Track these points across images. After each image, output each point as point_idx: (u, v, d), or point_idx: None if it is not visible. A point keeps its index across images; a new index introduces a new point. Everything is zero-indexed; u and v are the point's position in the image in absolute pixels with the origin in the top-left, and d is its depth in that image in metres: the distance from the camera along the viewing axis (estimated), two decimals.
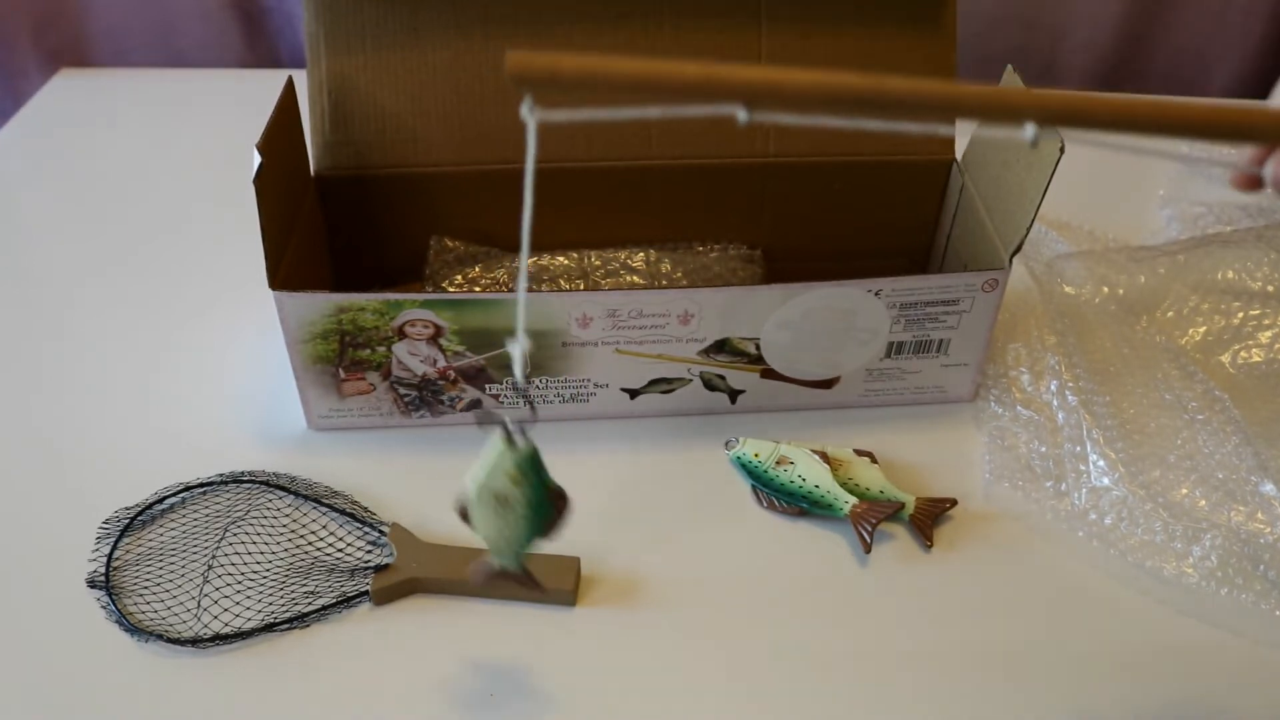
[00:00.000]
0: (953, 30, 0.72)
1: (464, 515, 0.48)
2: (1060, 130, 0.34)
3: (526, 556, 0.50)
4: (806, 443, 0.66)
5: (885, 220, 0.77)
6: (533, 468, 0.46)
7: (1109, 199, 0.92)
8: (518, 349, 0.42)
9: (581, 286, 0.75)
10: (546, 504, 0.47)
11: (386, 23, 0.69)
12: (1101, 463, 0.65)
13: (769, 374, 0.67)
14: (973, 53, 1.04)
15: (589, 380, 0.66)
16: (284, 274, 0.60)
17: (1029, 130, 0.33)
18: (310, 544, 0.60)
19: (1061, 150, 0.58)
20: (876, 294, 0.63)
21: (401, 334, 0.62)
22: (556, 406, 0.68)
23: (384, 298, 0.60)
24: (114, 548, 0.59)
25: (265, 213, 0.57)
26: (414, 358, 0.64)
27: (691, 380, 0.67)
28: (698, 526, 0.63)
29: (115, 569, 0.59)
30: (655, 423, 0.69)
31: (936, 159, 0.74)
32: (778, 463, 0.65)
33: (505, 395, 0.66)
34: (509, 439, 0.45)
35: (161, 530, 0.61)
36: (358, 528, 0.61)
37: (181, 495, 0.62)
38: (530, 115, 0.37)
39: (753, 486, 0.65)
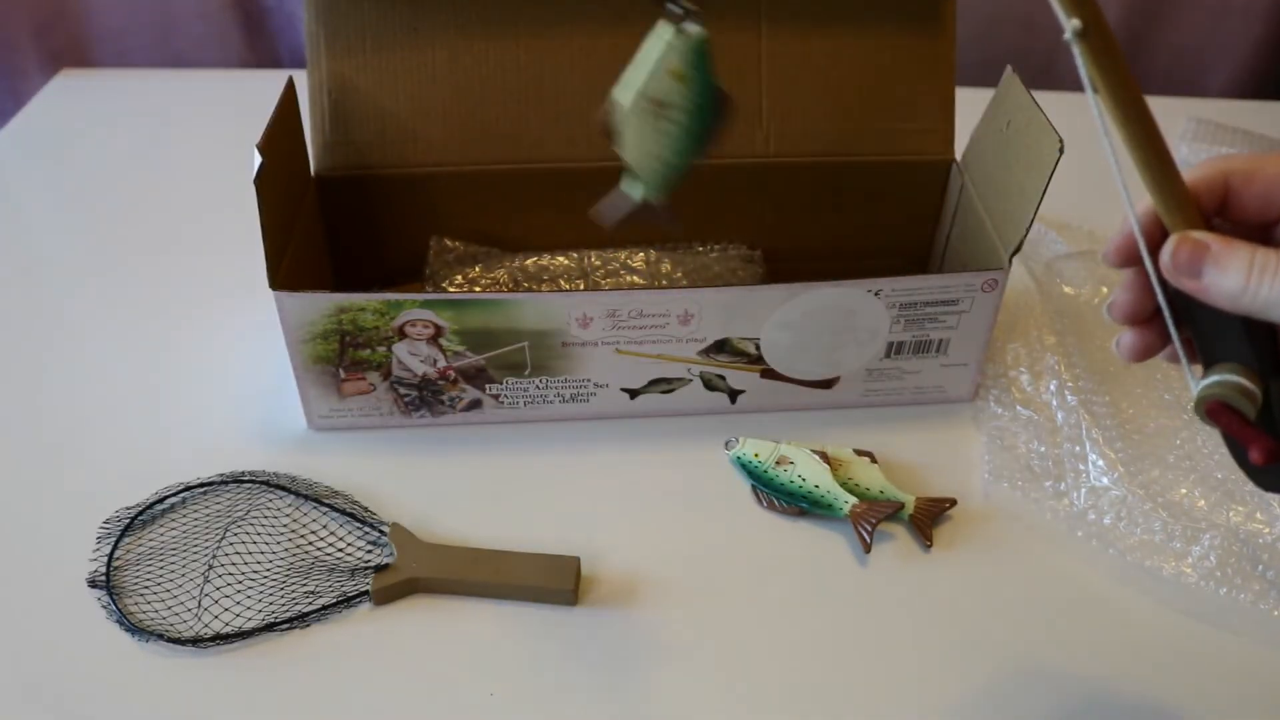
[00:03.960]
0: (952, 30, 0.72)
1: (608, 132, 0.43)
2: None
3: (674, 181, 0.44)
4: (806, 443, 0.66)
5: (885, 220, 0.77)
6: (702, 60, 0.40)
7: (1109, 199, 0.92)
8: None
9: (581, 286, 0.75)
10: (711, 107, 0.41)
11: (386, 23, 0.69)
12: (1101, 462, 0.65)
13: (769, 374, 0.67)
14: (973, 53, 1.04)
15: (589, 380, 0.66)
16: (284, 274, 0.60)
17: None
18: (310, 544, 0.60)
19: (1061, 150, 0.58)
20: (876, 294, 0.63)
21: (402, 334, 0.62)
22: (556, 406, 0.68)
23: (384, 298, 0.60)
24: (115, 547, 0.59)
25: (265, 213, 0.57)
26: (414, 358, 0.64)
27: (691, 380, 0.67)
28: (698, 526, 0.63)
29: (116, 569, 0.59)
30: (655, 423, 0.69)
31: (936, 159, 0.74)
32: (778, 463, 0.65)
33: (505, 395, 0.67)
34: (679, 24, 0.39)
35: (162, 530, 0.61)
36: (358, 528, 0.61)
37: (182, 495, 0.62)
38: None
39: (753, 486, 0.65)
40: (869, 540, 0.60)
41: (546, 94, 0.71)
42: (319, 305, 0.61)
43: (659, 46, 0.41)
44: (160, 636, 0.55)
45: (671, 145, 0.42)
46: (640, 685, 0.54)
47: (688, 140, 0.42)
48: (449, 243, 0.76)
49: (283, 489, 0.63)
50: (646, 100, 0.41)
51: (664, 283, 0.76)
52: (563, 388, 0.67)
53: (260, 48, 1.13)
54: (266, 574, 0.58)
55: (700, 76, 0.41)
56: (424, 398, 0.66)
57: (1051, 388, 0.70)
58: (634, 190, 0.45)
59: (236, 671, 0.54)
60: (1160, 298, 0.40)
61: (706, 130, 0.42)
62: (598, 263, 0.76)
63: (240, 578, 0.58)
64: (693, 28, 0.40)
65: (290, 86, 0.64)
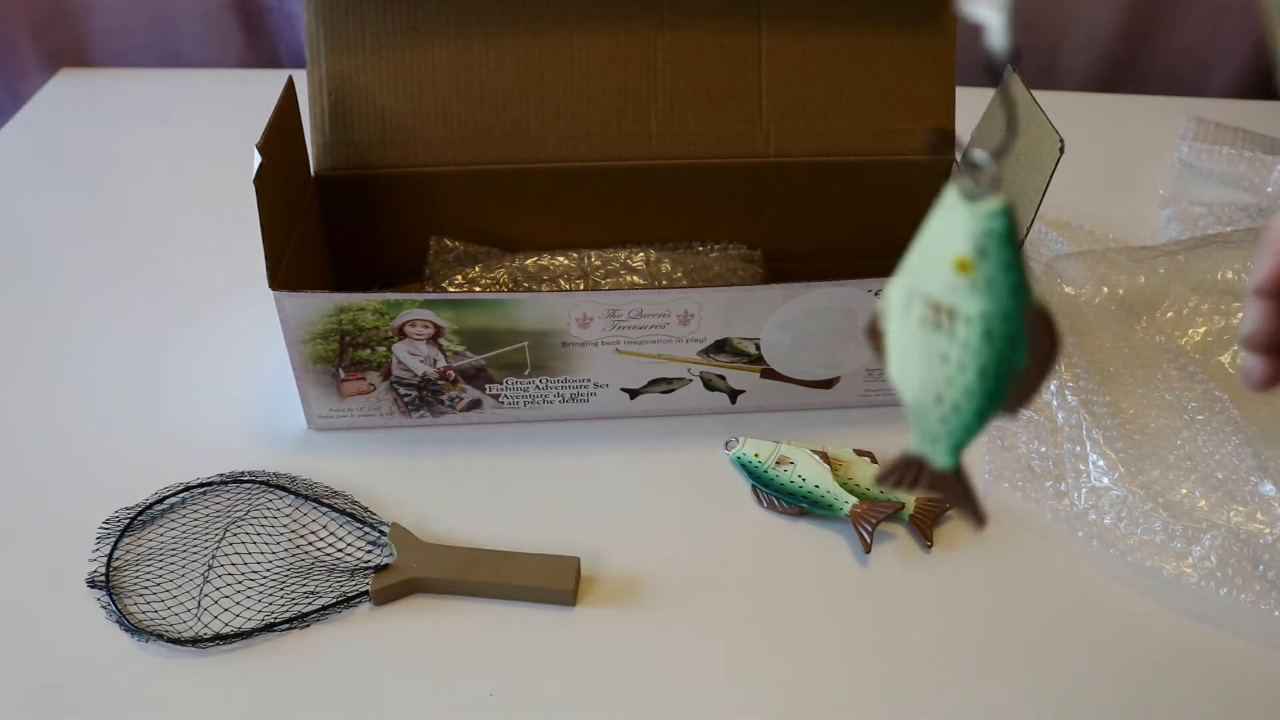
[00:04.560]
0: (953, 30, 0.72)
1: (877, 342, 0.30)
2: None
3: (962, 438, 0.31)
4: (806, 443, 0.66)
5: (885, 220, 0.77)
6: (1005, 249, 0.27)
7: (1109, 199, 0.92)
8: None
9: (581, 286, 0.75)
10: (1019, 326, 0.27)
11: (386, 23, 0.69)
12: (1101, 463, 0.65)
13: (769, 374, 0.67)
14: (973, 53, 1.04)
15: (589, 380, 0.66)
16: (284, 274, 0.60)
17: None
18: (310, 544, 0.60)
19: (1061, 150, 0.58)
20: (876, 294, 0.63)
21: (401, 334, 0.62)
22: (556, 406, 0.68)
23: (384, 298, 0.60)
24: (114, 548, 0.59)
25: (265, 213, 0.57)
26: (414, 358, 0.64)
27: (691, 380, 0.67)
28: (698, 526, 0.63)
29: (115, 569, 0.59)
30: (655, 423, 0.69)
31: (936, 159, 0.74)
32: (778, 463, 0.65)
33: (505, 395, 0.66)
34: (966, 188, 0.27)
35: (162, 530, 0.61)
36: (358, 528, 0.61)
37: (182, 495, 0.62)
38: None
39: (753, 486, 0.65)
40: (869, 540, 0.60)
41: (546, 94, 0.71)
42: (319, 305, 0.60)
43: (945, 222, 0.28)
44: (160, 637, 0.55)
45: (955, 379, 0.29)
46: (640, 685, 0.54)
47: (981, 377, 0.28)
48: (449, 242, 0.76)
49: (283, 489, 0.63)
50: (922, 304, 0.29)
51: (664, 283, 0.76)
52: (563, 388, 0.67)
53: (260, 47, 1.12)
54: (266, 574, 0.58)
55: (1004, 278, 0.27)
56: (424, 398, 0.66)
57: (1052, 388, 0.70)
58: (917, 445, 0.31)
59: (236, 672, 0.54)
60: None
61: (1012, 364, 0.28)
62: (598, 263, 0.76)
63: (240, 578, 0.58)
64: (987, 198, 0.27)
65: (290, 86, 0.64)
